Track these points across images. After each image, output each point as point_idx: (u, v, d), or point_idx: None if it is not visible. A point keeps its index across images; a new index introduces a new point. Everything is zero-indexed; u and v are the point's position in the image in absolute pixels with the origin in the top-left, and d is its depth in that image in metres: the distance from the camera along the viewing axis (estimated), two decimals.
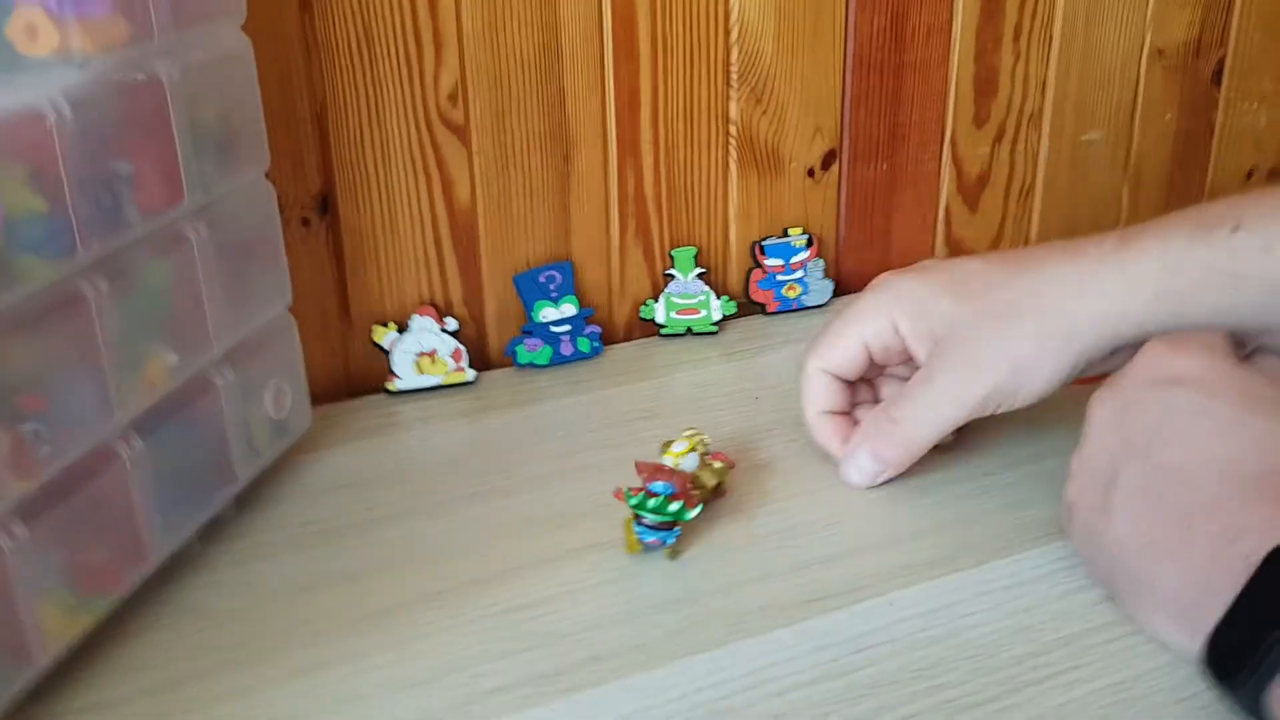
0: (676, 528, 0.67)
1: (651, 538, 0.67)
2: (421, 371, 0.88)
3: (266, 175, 0.74)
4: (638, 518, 0.66)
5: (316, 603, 0.66)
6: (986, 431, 0.80)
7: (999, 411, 0.71)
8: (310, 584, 0.68)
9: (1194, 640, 0.53)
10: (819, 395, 0.75)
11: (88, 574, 0.60)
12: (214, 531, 0.72)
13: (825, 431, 0.75)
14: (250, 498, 0.75)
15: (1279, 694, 0.48)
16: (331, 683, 0.60)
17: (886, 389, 0.78)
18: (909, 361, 0.74)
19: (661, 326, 0.97)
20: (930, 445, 0.72)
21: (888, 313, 0.73)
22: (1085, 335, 0.67)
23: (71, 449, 0.58)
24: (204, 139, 0.66)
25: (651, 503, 0.65)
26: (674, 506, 0.65)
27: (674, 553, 0.68)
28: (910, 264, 0.99)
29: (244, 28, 0.71)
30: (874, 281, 0.76)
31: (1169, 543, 0.56)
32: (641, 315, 0.96)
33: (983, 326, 0.69)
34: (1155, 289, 0.65)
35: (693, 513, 0.66)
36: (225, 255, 0.68)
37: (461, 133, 0.87)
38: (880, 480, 0.73)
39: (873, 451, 0.72)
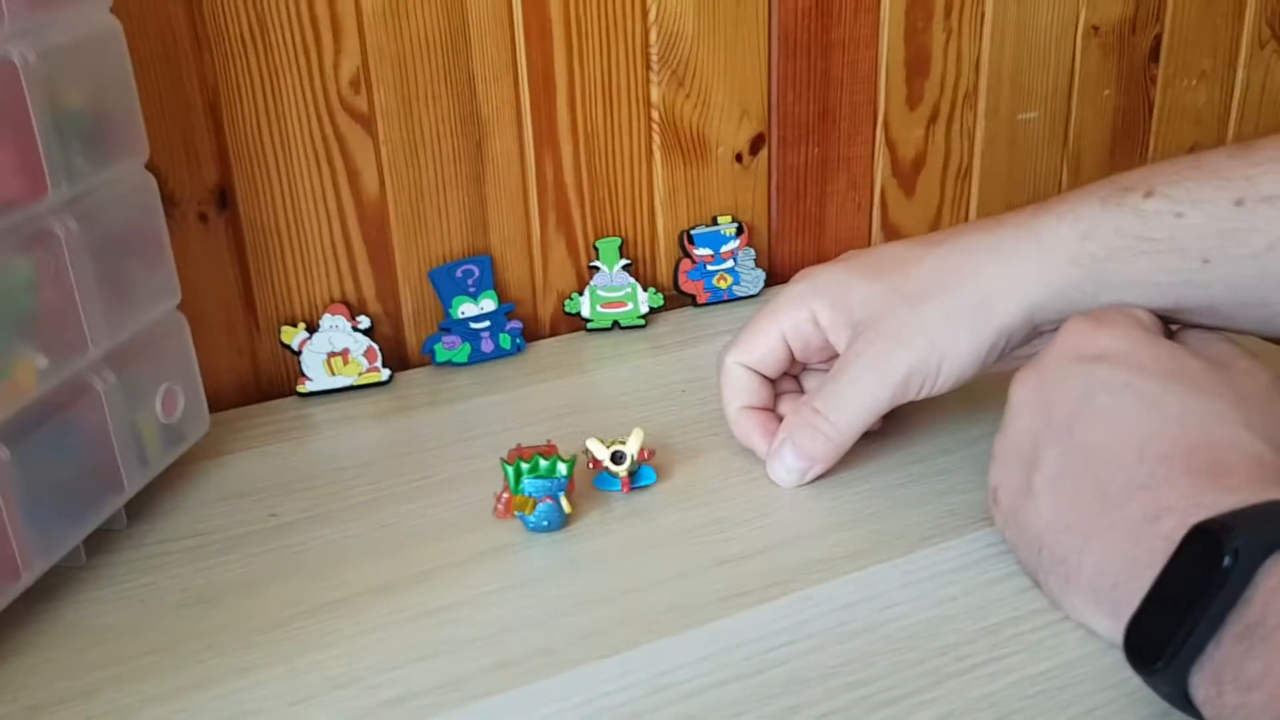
0: (559, 477, 0.66)
1: (541, 494, 0.66)
2: (333, 372, 0.85)
3: (149, 167, 0.70)
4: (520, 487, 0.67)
5: (209, 616, 0.62)
6: (913, 418, 0.77)
7: (923, 394, 0.68)
8: (203, 596, 0.64)
9: (1118, 624, 0.50)
10: (739, 391, 0.72)
11: None
12: (102, 544, 0.68)
13: (746, 427, 0.72)
14: (142, 507, 0.71)
15: (1200, 680, 0.45)
16: (218, 699, 0.56)
17: (809, 383, 0.75)
18: (833, 357, 0.71)
19: (587, 321, 0.93)
20: (858, 434, 0.69)
21: (806, 304, 0.70)
22: (1001, 306, 0.64)
23: None
24: (69, 127, 0.62)
25: (526, 465, 0.66)
26: (545, 463, 0.67)
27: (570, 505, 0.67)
28: (844, 251, 0.97)
29: (121, 16, 0.67)
30: (796, 275, 0.73)
31: (1090, 523, 0.54)
32: (566, 309, 0.93)
33: (899, 306, 0.66)
34: (1070, 254, 0.63)
35: (565, 464, 0.67)
36: (101, 251, 0.64)
37: (366, 121, 0.83)
38: (809, 478, 0.70)
39: (797, 447, 0.69)
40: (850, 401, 0.68)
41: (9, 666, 0.59)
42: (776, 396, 0.74)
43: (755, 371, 0.72)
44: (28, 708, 0.56)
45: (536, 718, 0.54)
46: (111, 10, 0.66)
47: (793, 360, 0.72)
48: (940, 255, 0.67)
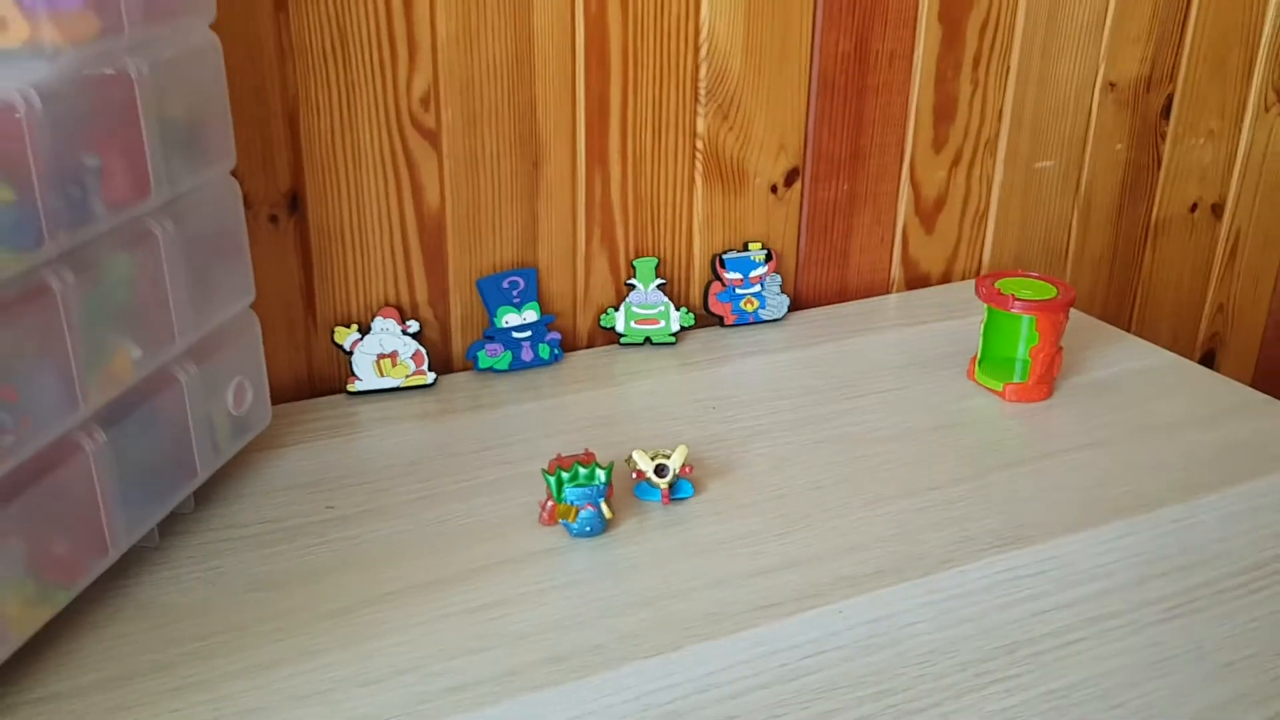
0: (598, 484, 0.71)
1: (582, 501, 0.71)
2: (382, 373, 0.89)
3: (233, 172, 0.74)
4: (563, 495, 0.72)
5: (275, 600, 0.66)
6: (931, 445, 0.82)
7: None
8: (269, 581, 0.68)
9: None
10: None
11: (50, 564, 0.60)
12: (174, 526, 0.72)
13: None
14: (210, 493, 0.75)
15: None
16: (288, 679, 0.60)
17: None
18: None
19: (621, 335, 0.98)
20: None
21: None
22: None
23: (36, 439, 0.58)
24: (171, 135, 0.66)
25: (566, 474, 0.71)
26: (584, 471, 0.71)
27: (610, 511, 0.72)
28: (865, 282, 1.02)
29: (214, 26, 0.71)
30: None
31: None
32: (601, 324, 0.97)
33: None
34: None
35: (604, 471, 0.71)
36: (190, 251, 0.69)
37: (432, 137, 0.88)
38: None
39: None
40: None
41: (92, 638, 0.63)
42: None
43: None
44: (114, 678, 0.60)
45: (587, 711, 0.58)
46: (212, 27, 0.70)
47: None
48: None
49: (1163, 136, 1.19)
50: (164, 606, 0.66)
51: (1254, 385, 1.27)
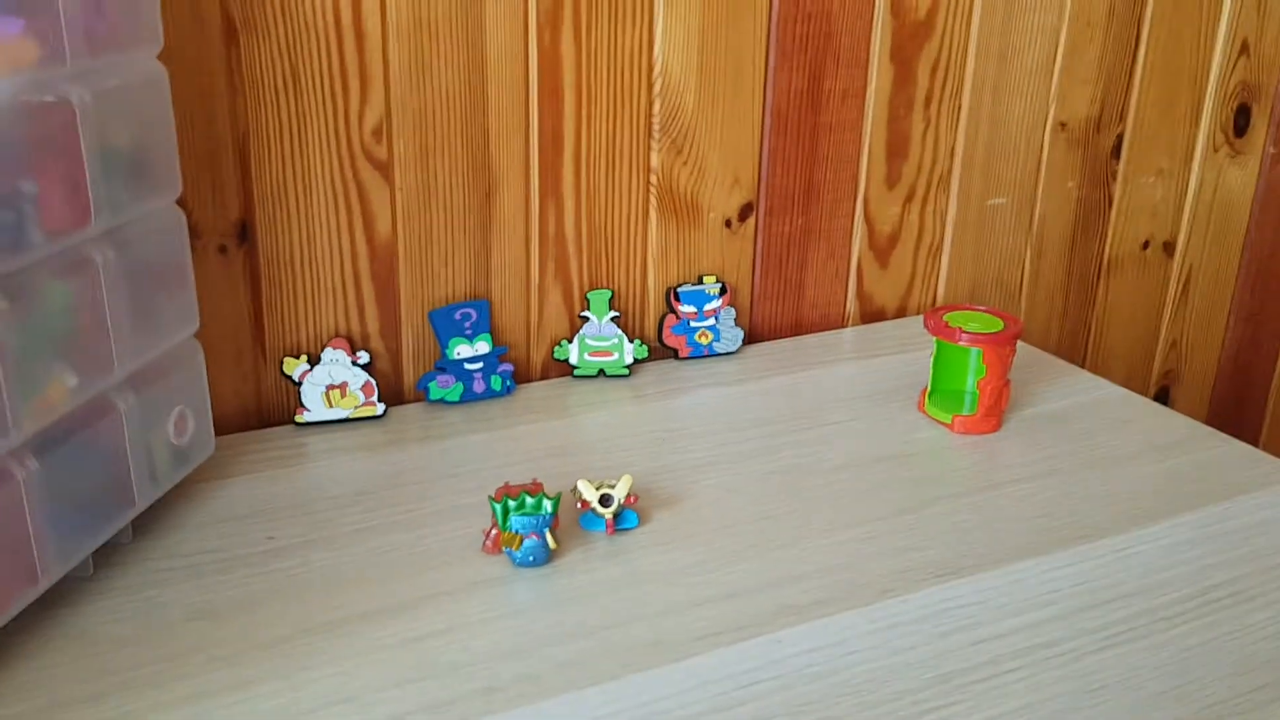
0: (544, 514, 0.71)
1: (527, 530, 0.71)
2: (331, 404, 0.89)
3: (180, 202, 0.74)
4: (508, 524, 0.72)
5: (211, 630, 0.66)
6: (879, 476, 0.83)
7: None
8: (204, 612, 0.67)
9: None
10: None
11: None
12: (109, 556, 0.71)
13: None
14: (148, 524, 0.75)
15: None
16: (222, 709, 0.60)
17: None
18: None
19: (575, 368, 0.98)
20: None
21: None
22: None
23: None
24: (114, 163, 0.66)
25: (513, 503, 0.71)
26: (531, 500, 0.72)
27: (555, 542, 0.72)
28: (820, 316, 1.03)
29: (164, 57, 0.72)
30: None
31: None
32: (555, 356, 0.98)
33: None
34: None
35: (551, 501, 0.72)
36: (132, 279, 0.68)
37: (384, 168, 0.88)
38: None
39: None
40: None
41: (22, 668, 0.62)
42: None
43: None
44: (42, 708, 0.59)
45: None
46: (160, 57, 0.71)
47: None
48: None
49: (1114, 175, 1.21)
50: (96, 636, 0.65)
51: (1209, 422, 1.28)
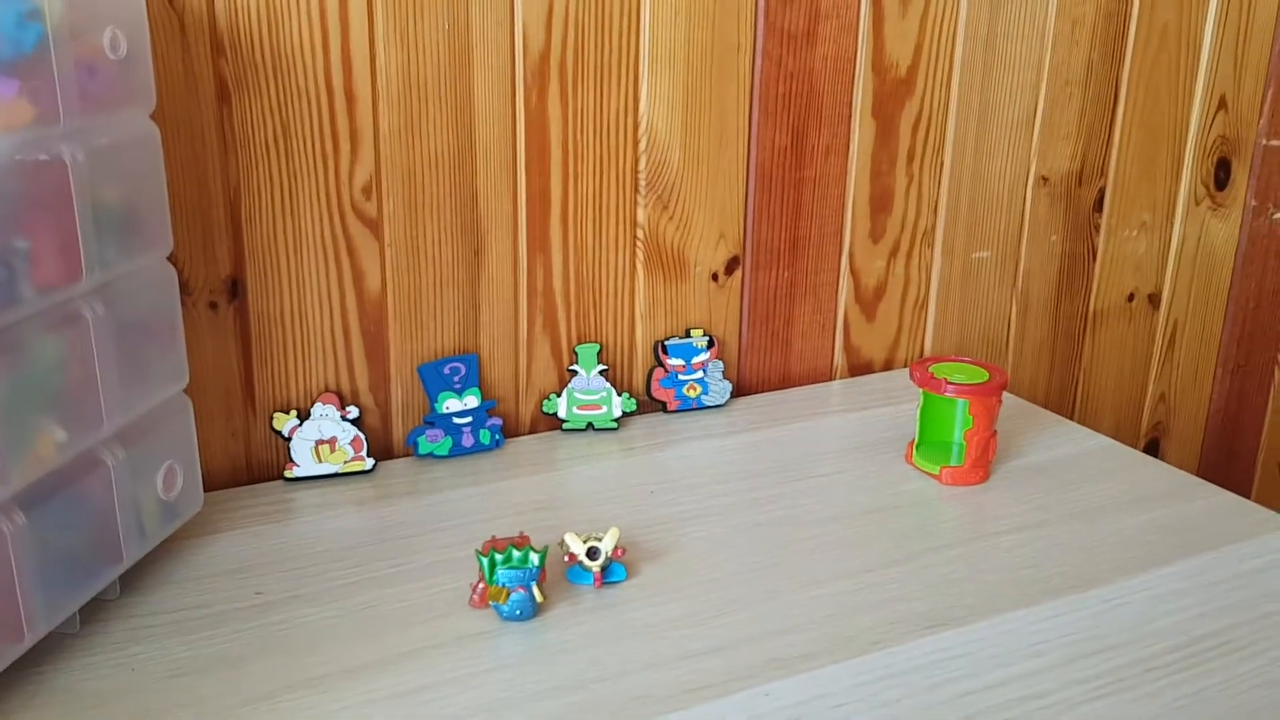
0: (531, 567, 0.71)
1: (514, 583, 0.71)
2: (320, 459, 0.89)
3: (171, 258, 0.75)
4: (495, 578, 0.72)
5: (194, 687, 0.65)
6: (867, 528, 0.83)
7: None
8: (190, 668, 0.67)
9: None
10: None
11: None
12: (96, 612, 0.71)
13: None
14: (136, 579, 0.75)
15: None
16: None
17: None
18: None
19: (563, 421, 0.99)
20: None
21: None
22: None
23: None
24: (106, 221, 0.67)
25: (500, 556, 0.71)
26: (518, 554, 0.72)
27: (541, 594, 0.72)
28: (808, 369, 1.04)
29: (156, 116, 0.73)
30: None
31: None
32: (544, 409, 0.98)
33: None
34: None
35: (538, 554, 0.72)
36: (122, 335, 0.69)
37: (374, 225, 0.89)
38: None
39: None
40: None
41: None
42: None
43: None
44: None
45: None
46: (152, 116, 0.72)
47: None
48: None
49: (1097, 229, 1.22)
50: (81, 693, 0.65)
51: (1199, 473, 1.29)
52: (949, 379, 0.90)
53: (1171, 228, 1.27)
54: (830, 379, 1.13)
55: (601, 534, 0.75)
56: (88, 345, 0.66)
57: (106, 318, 0.68)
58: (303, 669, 0.67)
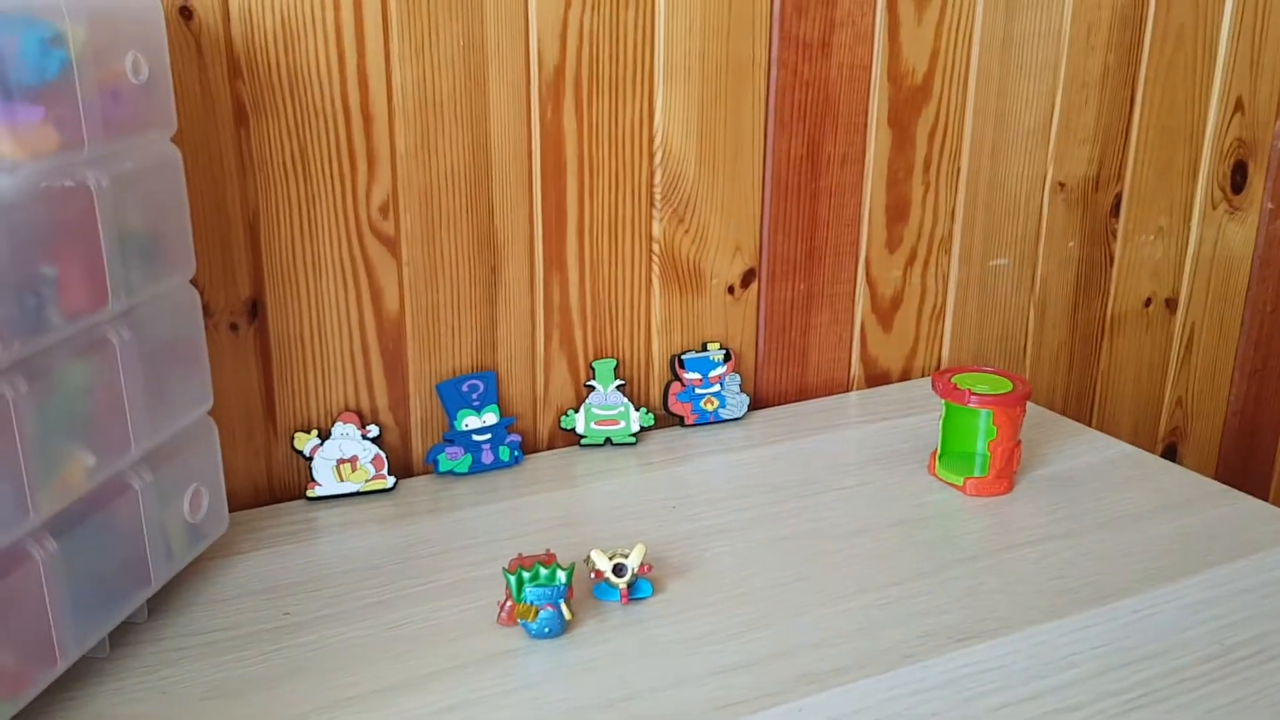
0: (559, 585, 0.71)
1: (542, 601, 0.70)
2: (342, 478, 0.89)
3: (193, 281, 0.75)
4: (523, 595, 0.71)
5: (228, 710, 0.65)
6: (892, 541, 0.83)
7: None
8: (221, 691, 0.67)
9: None
10: None
11: None
12: (125, 636, 0.71)
13: None
14: (163, 602, 0.75)
15: None
16: None
17: None
18: None
19: (581, 437, 0.98)
20: None
21: None
22: None
23: None
24: (130, 245, 0.67)
25: (527, 574, 0.71)
26: (545, 571, 0.71)
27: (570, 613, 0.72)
28: (825, 380, 1.04)
29: (176, 139, 0.73)
30: None
31: None
32: (562, 425, 0.98)
33: None
34: None
35: (565, 572, 0.71)
36: (147, 359, 0.69)
37: (392, 244, 0.89)
38: None
39: None
40: None
41: None
42: None
43: None
44: None
45: None
46: (174, 140, 0.72)
47: None
48: None
49: (1113, 234, 1.22)
50: (113, 718, 0.64)
51: (1217, 478, 1.28)
52: (972, 389, 0.90)
53: (1188, 232, 1.27)
54: (848, 390, 1.13)
55: (627, 550, 0.75)
56: (114, 370, 0.67)
57: (133, 342, 0.68)
58: (334, 690, 0.67)
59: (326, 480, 0.88)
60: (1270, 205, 1.30)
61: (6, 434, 0.58)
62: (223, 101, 0.81)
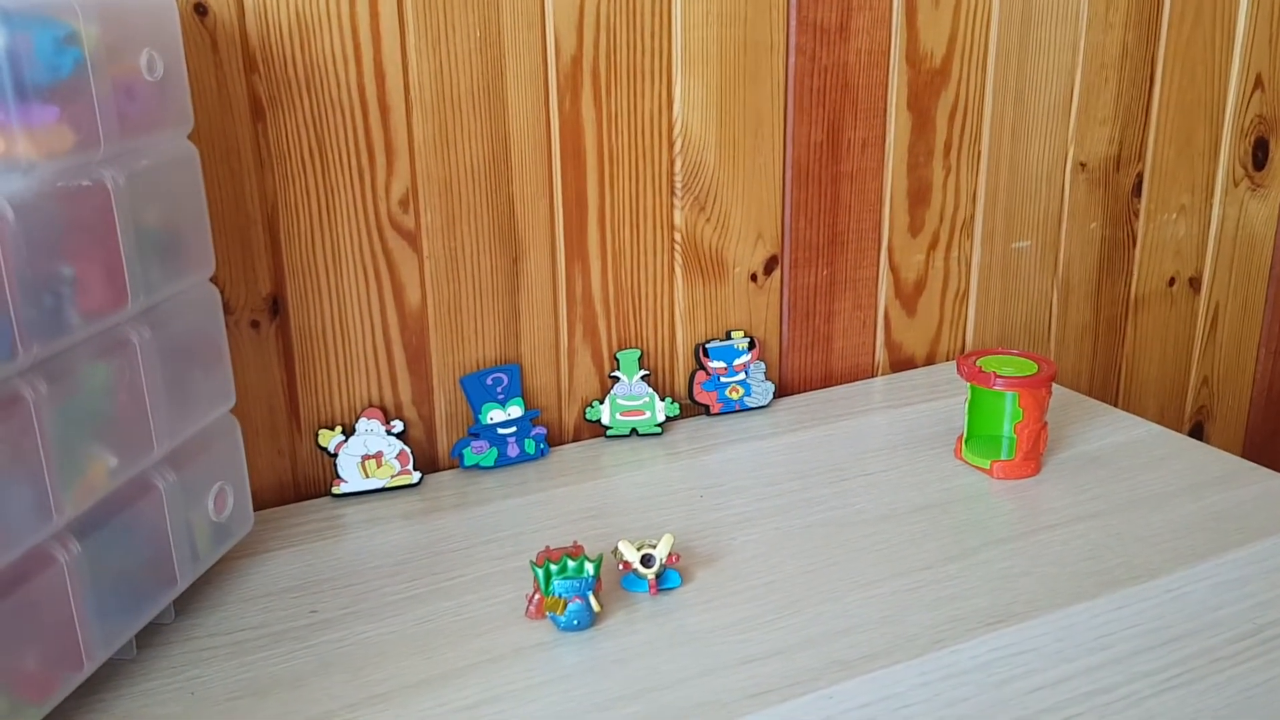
0: (587, 577, 0.70)
1: (570, 594, 0.70)
2: (367, 474, 0.88)
3: (212, 279, 0.75)
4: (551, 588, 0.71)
5: (257, 709, 0.65)
6: (920, 526, 0.82)
7: None
8: (249, 690, 0.67)
9: None
10: None
11: (21, 681, 0.59)
12: (152, 637, 0.71)
13: None
14: (190, 602, 0.75)
15: None
16: None
17: None
18: None
19: (607, 428, 0.98)
20: None
21: None
22: None
23: (8, 552, 0.57)
24: (149, 243, 0.67)
25: (555, 567, 0.71)
26: (573, 564, 0.71)
27: (598, 604, 0.71)
28: (850, 366, 1.03)
29: (192, 136, 0.73)
30: None
31: None
32: (587, 417, 0.98)
33: None
34: None
35: (593, 564, 0.71)
36: (168, 358, 0.69)
37: (412, 238, 0.89)
38: None
39: None
40: None
41: None
42: None
43: None
44: None
45: None
46: (190, 137, 0.72)
47: None
48: None
49: (1136, 213, 1.20)
50: (142, 719, 0.64)
51: (1244, 456, 1.27)
52: (998, 372, 0.89)
53: (1210, 210, 1.25)
54: (872, 376, 1.12)
55: (655, 541, 0.75)
56: (136, 370, 0.66)
57: (153, 342, 0.67)
58: (363, 687, 0.67)
59: (352, 477, 0.88)
60: None
61: (28, 436, 0.58)
62: (239, 97, 0.81)
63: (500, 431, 0.93)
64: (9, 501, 0.57)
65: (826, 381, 1.09)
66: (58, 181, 0.60)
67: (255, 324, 0.86)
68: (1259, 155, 1.26)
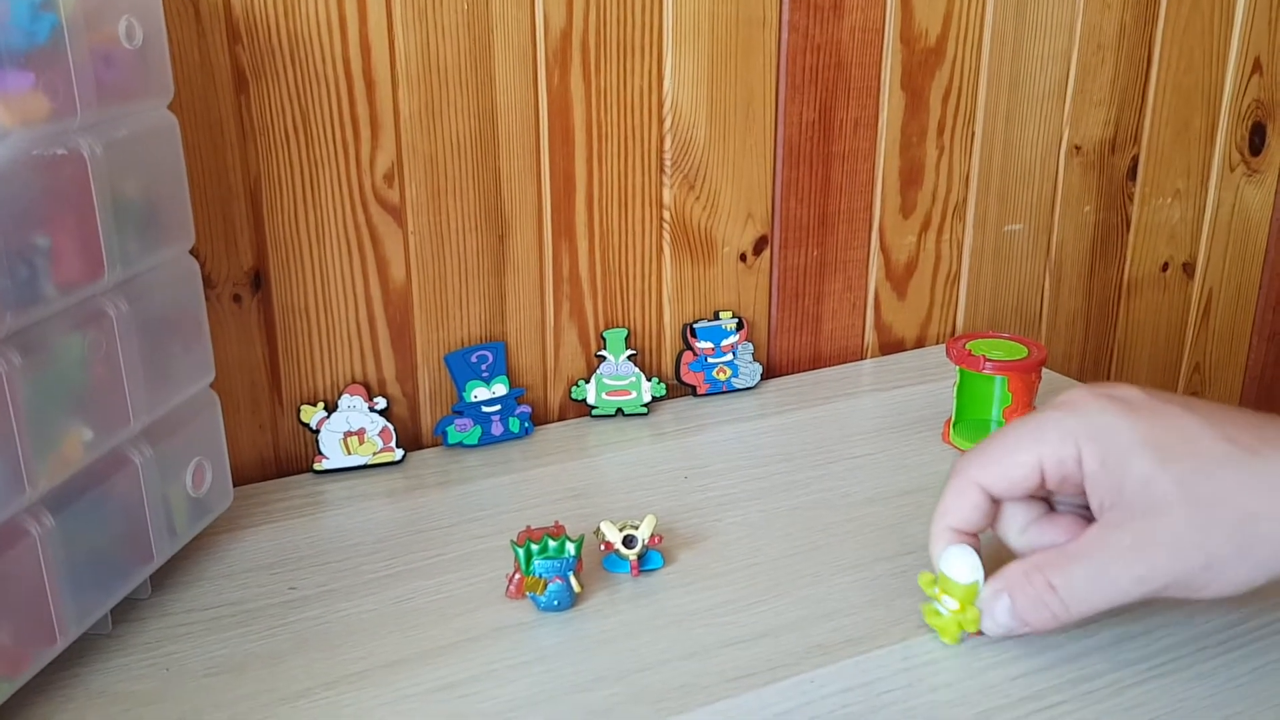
0: (568, 557, 0.70)
1: (551, 574, 0.69)
2: (349, 451, 0.88)
3: (193, 252, 0.74)
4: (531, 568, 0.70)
5: (233, 685, 0.65)
6: (906, 509, 0.81)
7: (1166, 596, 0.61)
8: (226, 666, 0.66)
9: None
10: (962, 510, 0.65)
11: None
12: (128, 612, 0.70)
13: (940, 547, 0.67)
14: (167, 577, 0.74)
15: None
16: None
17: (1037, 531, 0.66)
18: (1083, 497, 0.63)
19: (593, 407, 0.97)
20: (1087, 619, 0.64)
21: (1075, 442, 0.61)
22: None
23: None
24: (126, 214, 0.66)
25: (536, 546, 0.70)
26: (554, 544, 0.71)
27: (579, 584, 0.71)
28: (839, 348, 1.02)
29: (174, 107, 0.71)
30: (1063, 398, 0.63)
31: None
32: (572, 396, 0.97)
33: (1185, 508, 0.58)
34: None
35: (574, 544, 0.70)
36: (146, 331, 0.68)
37: (396, 213, 0.88)
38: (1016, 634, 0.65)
39: (1017, 611, 0.63)
40: (1094, 594, 0.61)
41: None
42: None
43: (989, 495, 0.65)
44: None
45: None
46: (170, 107, 0.71)
47: (1040, 486, 0.64)
48: (1248, 471, 0.58)
49: (1130, 197, 1.20)
50: (116, 695, 0.64)
51: None
52: (987, 355, 0.88)
53: (1206, 194, 1.24)
54: (861, 358, 1.11)
55: (637, 522, 0.74)
56: (112, 342, 0.65)
57: (130, 314, 0.66)
58: (340, 665, 0.66)
59: (333, 453, 0.87)
60: None
61: (1, 408, 0.57)
62: (222, 67, 0.80)
63: (484, 410, 0.92)
64: None
65: (815, 363, 1.08)
66: (33, 150, 0.59)
67: (237, 298, 0.85)
68: (1256, 140, 1.25)
